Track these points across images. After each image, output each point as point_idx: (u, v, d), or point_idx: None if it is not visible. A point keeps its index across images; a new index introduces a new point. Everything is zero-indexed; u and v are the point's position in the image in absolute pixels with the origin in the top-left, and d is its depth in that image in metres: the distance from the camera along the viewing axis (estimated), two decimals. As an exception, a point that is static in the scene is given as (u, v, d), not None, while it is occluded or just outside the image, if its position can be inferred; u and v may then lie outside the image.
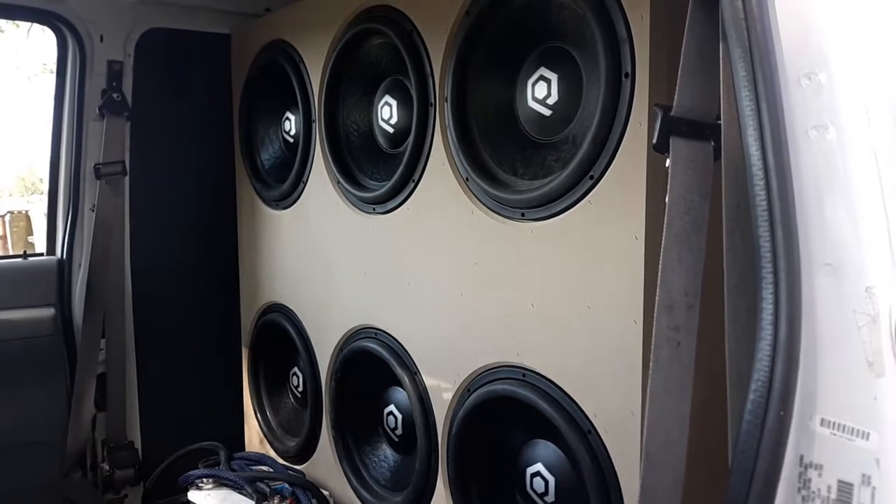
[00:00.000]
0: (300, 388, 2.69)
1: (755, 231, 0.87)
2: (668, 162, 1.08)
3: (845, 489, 0.84)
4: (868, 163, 0.88)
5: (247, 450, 2.89)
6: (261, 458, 2.56)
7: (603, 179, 1.53)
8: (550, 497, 1.74)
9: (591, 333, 1.57)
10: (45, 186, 2.74)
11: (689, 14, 1.07)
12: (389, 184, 2.07)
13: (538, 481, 1.76)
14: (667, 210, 1.07)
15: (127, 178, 2.66)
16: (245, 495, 2.26)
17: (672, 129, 1.08)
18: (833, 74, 0.88)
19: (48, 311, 2.57)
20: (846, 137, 0.88)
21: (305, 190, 2.45)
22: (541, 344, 1.69)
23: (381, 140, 2.26)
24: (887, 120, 0.90)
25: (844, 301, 0.85)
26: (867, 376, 0.84)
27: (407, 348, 2.09)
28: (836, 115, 0.88)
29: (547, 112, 1.72)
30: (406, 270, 2.07)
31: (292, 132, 2.62)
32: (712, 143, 1.08)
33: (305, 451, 2.57)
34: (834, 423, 0.85)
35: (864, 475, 0.83)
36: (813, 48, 0.90)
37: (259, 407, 2.85)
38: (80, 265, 2.63)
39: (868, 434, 0.83)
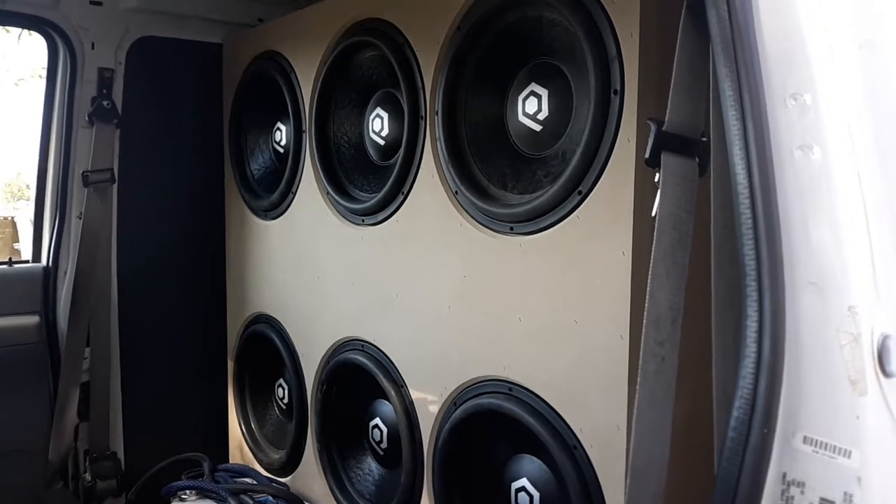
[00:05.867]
0: (285, 400, 2.68)
1: (740, 249, 0.87)
2: (657, 177, 1.09)
3: (827, 507, 0.85)
4: (852, 183, 0.89)
5: (231, 461, 2.86)
6: (245, 471, 2.54)
7: (591, 195, 1.53)
8: (535, 512, 1.74)
9: (577, 348, 1.58)
10: (32, 193, 2.72)
11: (680, 30, 1.08)
12: (379, 195, 2.07)
13: (523, 496, 1.76)
14: (656, 225, 1.07)
15: (115, 186, 2.65)
16: (228, 507, 2.24)
17: (664, 144, 1.09)
18: (818, 95, 0.90)
19: (33, 319, 2.54)
20: (831, 158, 0.89)
21: (295, 200, 2.45)
22: (528, 358, 1.70)
23: (371, 152, 2.26)
24: (871, 141, 0.91)
25: (827, 320, 0.86)
26: (850, 395, 0.84)
27: (393, 361, 2.09)
28: (821, 135, 0.89)
29: (537, 127, 1.73)
30: (394, 282, 2.07)
31: (283, 143, 2.62)
32: (697, 160, 1.09)
33: (290, 463, 2.55)
34: (816, 441, 0.86)
35: (846, 493, 0.84)
36: (799, 69, 0.91)
37: (244, 418, 2.83)
38: (65, 273, 2.60)
39: (850, 452, 0.84)
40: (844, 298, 0.86)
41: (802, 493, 0.86)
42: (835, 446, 0.84)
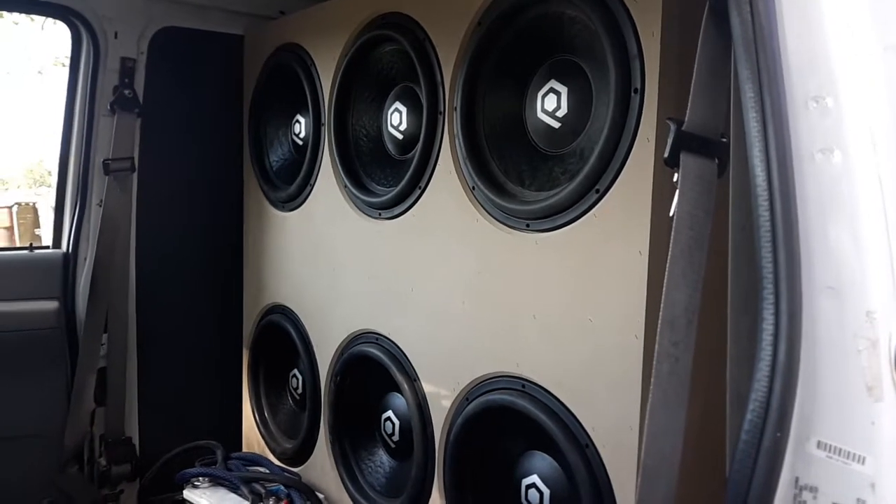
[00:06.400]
0: (299, 391, 2.69)
1: (758, 252, 0.87)
2: (675, 177, 1.09)
3: (840, 513, 0.84)
4: (872, 187, 0.88)
5: (244, 450, 2.89)
6: (257, 459, 2.56)
7: (609, 194, 1.53)
8: (545, 509, 1.74)
9: (591, 347, 1.57)
10: (53, 179, 2.75)
11: (702, 31, 1.08)
12: (396, 189, 2.08)
13: (533, 493, 1.76)
14: (673, 225, 1.07)
15: (135, 175, 2.68)
16: (240, 496, 2.26)
17: (683, 144, 1.08)
18: (840, 98, 0.89)
19: (52, 304, 2.58)
20: (851, 161, 0.88)
21: (312, 192, 2.46)
22: (541, 355, 1.70)
23: (389, 146, 2.27)
24: (892, 145, 0.90)
25: (845, 325, 0.85)
26: (865, 401, 0.84)
27: (407, 354, 2.10)
28: (842, 139, 0.88)
29: (556, 124, 1.72)
30: (409, 276, 2.08)
31: (302, 135, 2.64)
32: (716, 161, 1.08)
33: (302, 453, 2.57)
34: (830, 447, 0.85)
35: (858, 499, 0.83)
36: (821, 72, 0.90)
37: (258, 407, 2.85)
38: (85, 259, 2.64)
39: (864, 458, 0.83)
40: (862, 303, 0.85)
41: (815, 498, 0.86)
42: (849, 452, 0.84)
